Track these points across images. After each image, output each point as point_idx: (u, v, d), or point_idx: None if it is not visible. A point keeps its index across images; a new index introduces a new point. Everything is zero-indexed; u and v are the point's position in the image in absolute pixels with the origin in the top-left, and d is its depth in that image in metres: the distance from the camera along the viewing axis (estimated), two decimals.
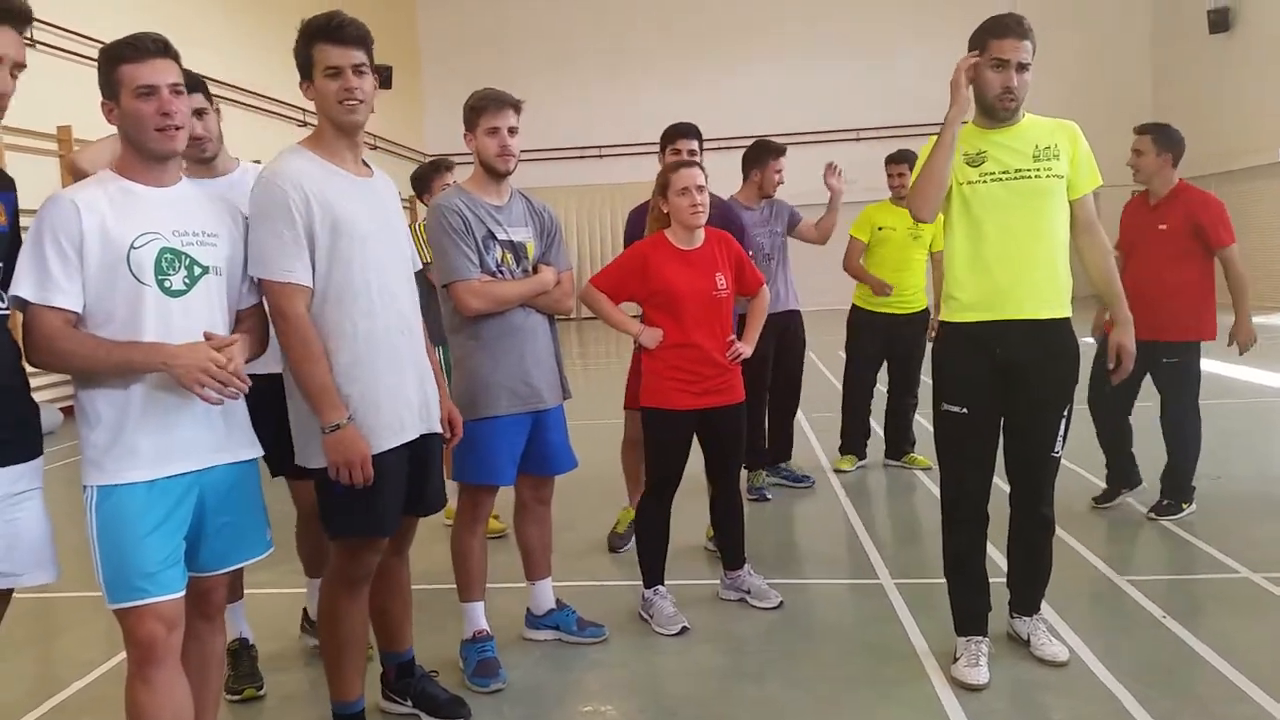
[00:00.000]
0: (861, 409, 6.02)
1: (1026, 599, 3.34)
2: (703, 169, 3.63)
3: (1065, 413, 3.15)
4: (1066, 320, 3.11)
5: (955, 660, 3.17)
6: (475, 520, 3.33)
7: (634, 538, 3.87)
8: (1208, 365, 4.80)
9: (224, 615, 2.55)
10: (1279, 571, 3.89)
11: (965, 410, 3.10)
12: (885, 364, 5.99)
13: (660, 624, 3.61)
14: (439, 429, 2.83)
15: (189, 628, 2.28)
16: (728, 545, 3.92)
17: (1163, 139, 4.55)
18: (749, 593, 3.84)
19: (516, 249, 3.26)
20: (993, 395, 3.11)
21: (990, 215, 3.05)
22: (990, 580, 3.25)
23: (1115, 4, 19.73)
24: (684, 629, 3.58)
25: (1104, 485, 4.93)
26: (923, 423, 5.10)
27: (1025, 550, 3.30)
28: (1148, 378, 4.64)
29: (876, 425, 6.15)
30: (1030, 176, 3.02)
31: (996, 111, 3.04)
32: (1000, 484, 3.21)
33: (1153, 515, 4.66)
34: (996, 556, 3.52)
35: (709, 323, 3.57)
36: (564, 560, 3.99)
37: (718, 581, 3.97)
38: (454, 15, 20.94)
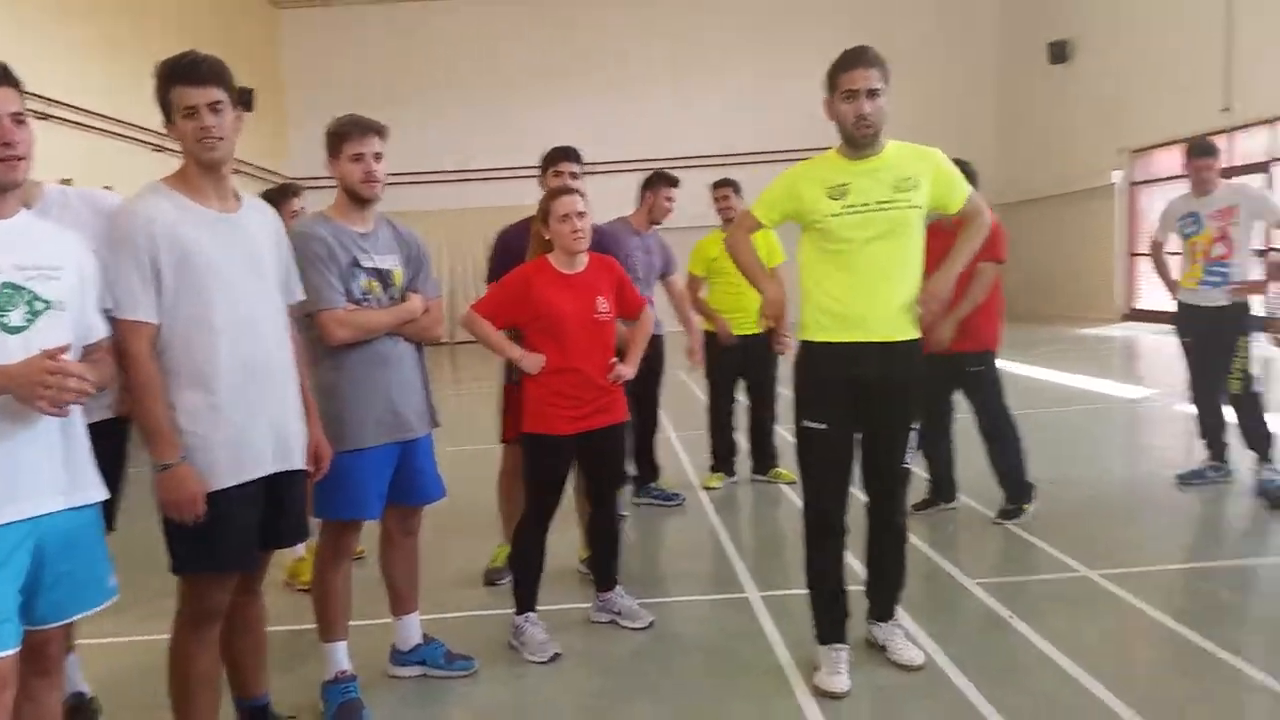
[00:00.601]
0: (725, 427, 6.14)
1: (883, 606, 3.48)
2: (582, 194, 3.65)
3: (914, 427, 3.32)
4: (916, 341, 3.27)
5: (817, 669, 3.27)
6: (338, 556, 3.25)
7: (511, 566, 3.84)
8: (1049, 374, 5.10)
9: (62, 670, 2.41)
10: (1114, 569, 4.16)
11: (824, 426, 3.23)
12: (743, 382, 6.11)
13: (531, 651, 3.59)
14: (299, 464, 2.77)
15: (23, 686, 2.16)
16: (601, 567, 3.94)
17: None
18: (620, 614, 3.87)
19: (383, 276, 3.22)
20: (850, 412, 3.24)
21: (850, 244, 3.17)
22: (849, 589, 3.38)
23: (961, 36, 20.79)
24: (555, 655, 3.57)
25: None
26: (787, 437, 5.25)
27: (882, 559, 3.45)
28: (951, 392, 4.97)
29: (747, 442, 6.30)
30: (890, 208, 3.15)
31: (856, 140, 3.16)
32: (858, 494, 3.34)
33: (998, 520, 4.92)
34: (855, 565, 3.66)
35: (591, 346, 3.60)
36: (432, 593, 3.93)
37: (589, 604, 3.98)
38: (320, 34, 20.42)
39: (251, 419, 2.59)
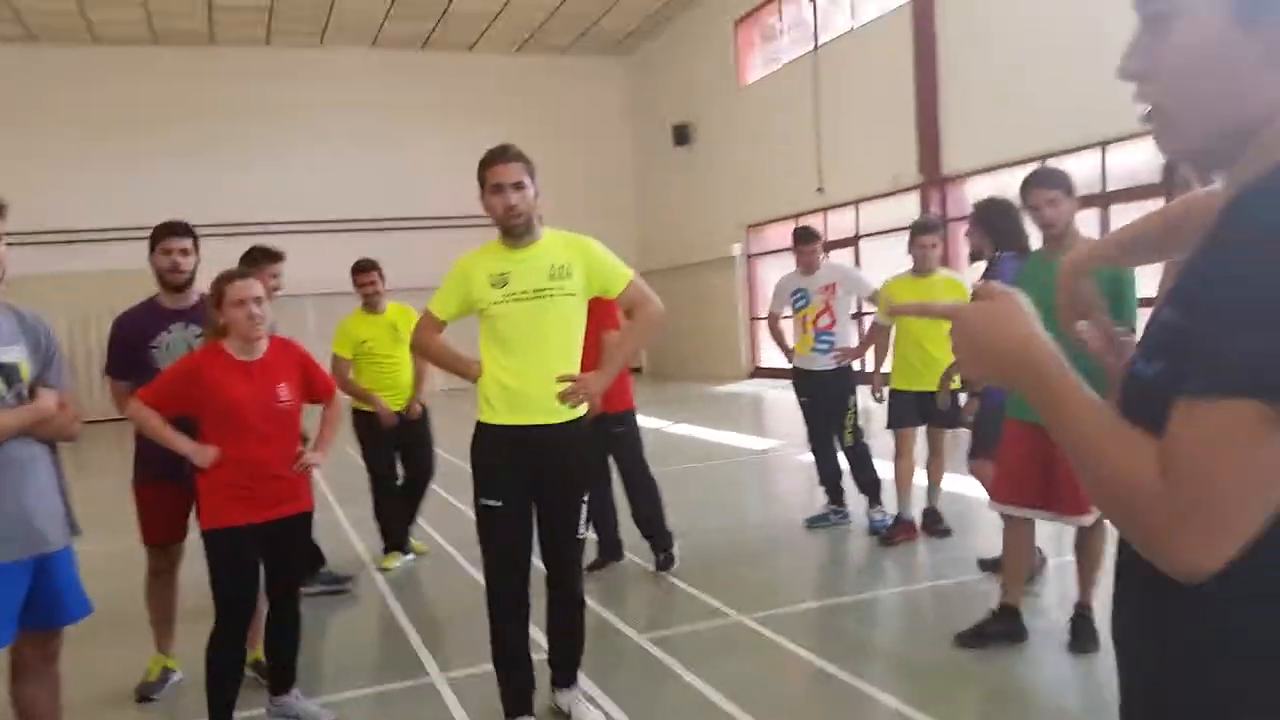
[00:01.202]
0: (388, 506, 6.01)
1: (566, 672, 3.61)
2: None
3: (586, 498, 3.51)
4: (582, 418, 3.46)
5: None
6: None
7: (206, 678, 3.44)
8: (688, 430, 5.58)
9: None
10: (762, 611, 4.62)
11: (500, 504, 3.34)
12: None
13: None
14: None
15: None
16: (278, 667, 3.68)
17: None
18: (299, 718, 3.66)
19: (6, 371, 2.86)
20: (524, 489, 3.37)
21: (514, 331, 3.34)
22: (533, 659, 3.48)
23: (601, 119, 22.26)
24: None
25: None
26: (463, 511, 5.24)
27: (562, 627, 3.58)
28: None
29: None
30: (547, 296, 3.33)
31: (509, 229, 3.34)
32: (538, 565, 3.46)
33: (660, 572, 5.29)
34: (537, 635, 3.77)
35: (272, 435, 3.42)
36: (77, 715, 3.49)
37: (262, 711, 3.72)
38: None
39: None
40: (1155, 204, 9.30)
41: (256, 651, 4.06)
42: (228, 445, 3.36)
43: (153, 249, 4.05)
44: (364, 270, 5.88)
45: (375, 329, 5.82)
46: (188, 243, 4.05)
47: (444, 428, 6.42)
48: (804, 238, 6.25)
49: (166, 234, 4.03)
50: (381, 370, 5.81)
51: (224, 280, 3.45)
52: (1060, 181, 3.96)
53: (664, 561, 5.33)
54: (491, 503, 3.34)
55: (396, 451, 5.97)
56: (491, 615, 3.42)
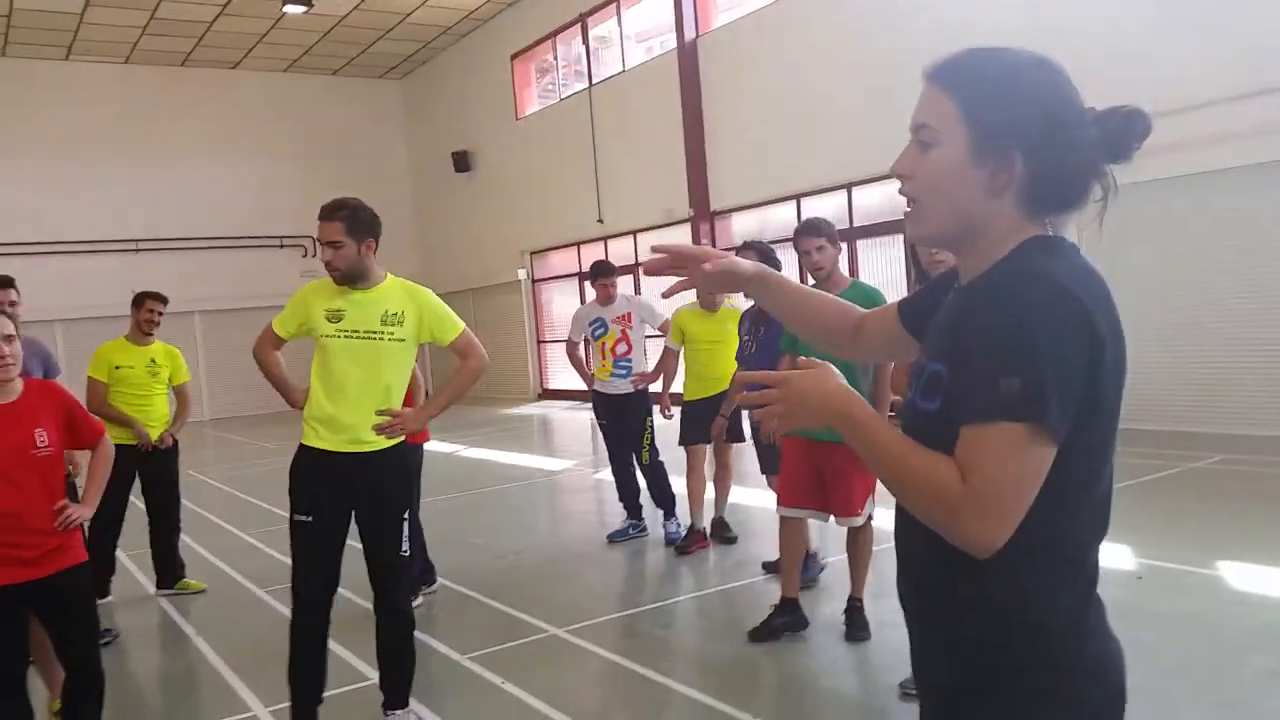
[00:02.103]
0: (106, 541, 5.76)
1: (397, 694, 3.79)
2: (11, 315, 3.40)
3: (405, 517, 3.74)
4: (399, 445, 3.70)
5: None
6: None
7: None
8: (487, 453, 5.82)
9: None
10: (575, 623, 4.95)
11: (310, 519, 3.59)
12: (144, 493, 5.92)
13: None
14: None
15: None
16: None
17: None
18: None
19: None
20: (337, 508, 3.61)
21: (341, 364, 3.59)
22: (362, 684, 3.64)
23: (378, 142, 21.94)
24: None
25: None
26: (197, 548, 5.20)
27: (393, 646, 3.76)
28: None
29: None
30: (376, 339, 3.60)
31: (333, 279, 3.62)
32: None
33: (428, 593, 5.55)
34: (360, 665, 3.92)
35: (29, 485, 3.16)
36: None
37: None
38: None
39: None
40: (894, 240, 10.45)
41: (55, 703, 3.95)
42: None
43: None
44: (154, 299, 5.85)
45: (134, 358, 5.79)
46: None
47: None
48: (602, 272, 6.70)
49: None
50: (129, 403, 5.74)
51: None
52: (825, 230, 4.57)
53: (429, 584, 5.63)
54: (302, 517, 3.59)
55: (131, 484, 5.80)
56: (293, 624, 3.62)
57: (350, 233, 3.55)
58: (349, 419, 3.57)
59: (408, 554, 3.77)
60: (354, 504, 3.63)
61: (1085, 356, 1.25)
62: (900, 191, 1.44)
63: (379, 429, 3.53)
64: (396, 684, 3.79)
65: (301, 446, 3.65)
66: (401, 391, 3.72)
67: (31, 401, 3.28)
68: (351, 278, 3.60)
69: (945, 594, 1.42)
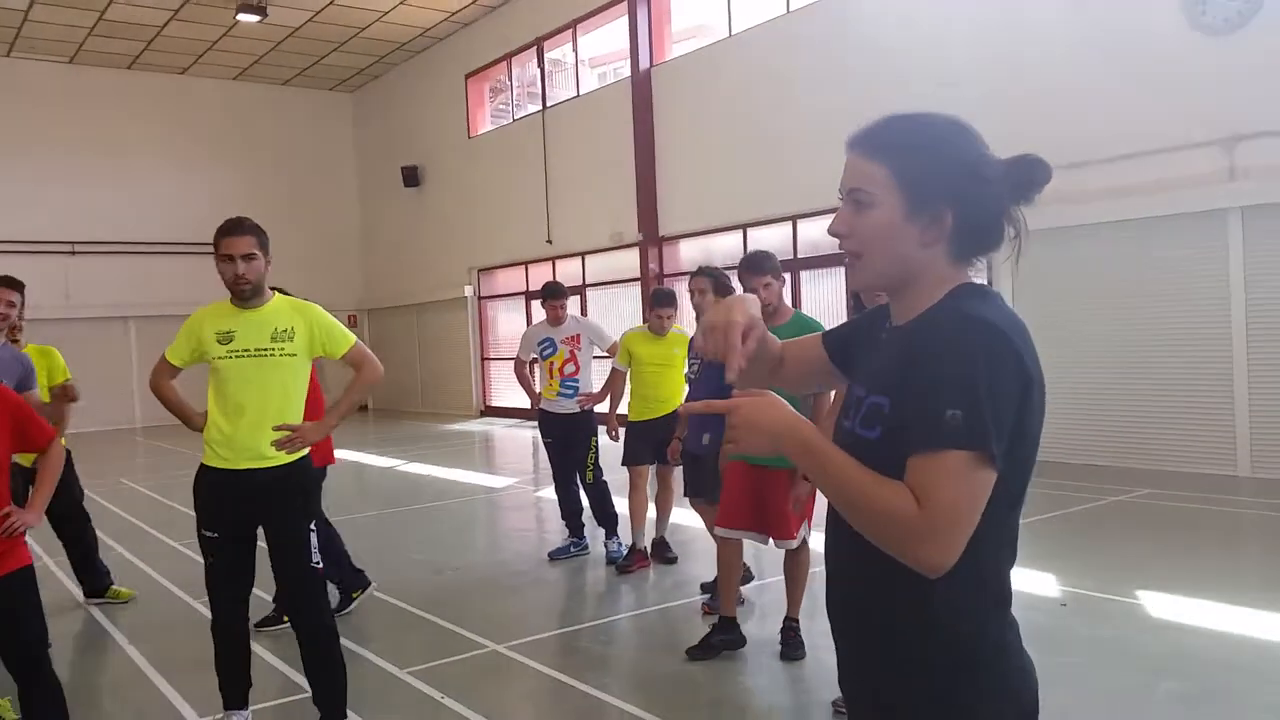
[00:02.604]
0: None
1: (332, 708, 3.79)
2: None
3: (311, 528, 3.79)
4: (301, 460, 3.76)
5: None
6: None
7: None
8: (426, 469, 5.83)
9: None
10: (516, 639, 4.99)
11: (216, 535, 3.71)
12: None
13: None
14: None
15: None
16: None
17: None
18: None
19: None
20: (242, 523, 3.74)
21: (235, 384, 3.69)
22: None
23: (326, 153, 21.80)
24: None
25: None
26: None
27: (319, 660, 3.79)
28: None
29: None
30: (268, 355, 3.69)
31: (237, 294, 3.68)
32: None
33: (345, 611, 5.45)
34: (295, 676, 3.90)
35: None
36: None
37: None
38: None
39: None
40: (837, 271, 10.75)
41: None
42: None
43: None
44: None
45: None
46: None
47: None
48: (553, 294, 6.79)
49: None
50: None
51: None
52: (771, 267, 4.67)
53: (349, 601, 5.57)
54: (209, 534, 3.72)
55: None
56: (214, 628, 3.80)
57: (260, 247, 3.66)
58: (247, 438, 3.66)
59: (318, 565, 3.80)
60: (258, 519, 3.76)
61: (1017, 389, 1.37)
62: (840, 248, 1.56)
63: (279, 444, 3.62)
64: (329, 696, 3.80)
65: (202, 466, 3.76)
66: (299, 407, 3.79)
67: None
68: (257, 291, 3.68)
69: (877, 612, 1.51)
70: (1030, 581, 5.41)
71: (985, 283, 1.54)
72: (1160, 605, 5.14)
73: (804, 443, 1.43)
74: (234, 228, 3.63)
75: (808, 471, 1.44)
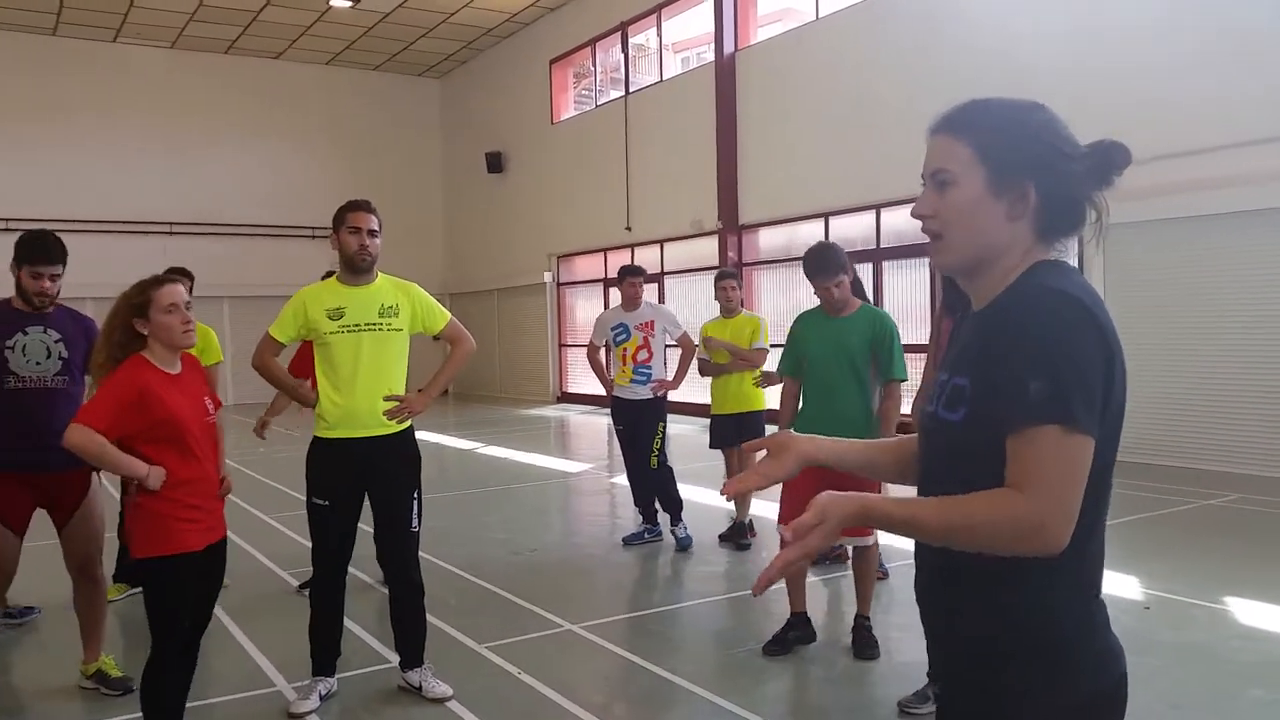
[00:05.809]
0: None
1: (412, 653, 4.11)
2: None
3: (416, 496, 4.04)
4: (406, 430, 4.03)
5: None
6: None
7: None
8: (504, 452, 5.94)
9: None
10: (590, 620, 5.08)
11: (328, 503, 3.93)
12: None
13: None
14: None
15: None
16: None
17: None
18: None
19: None
20: (351, 491, 3.96)
21: (346, 358, 3.90)
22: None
23: (412, 139, 22.18)
24: None
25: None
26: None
27: (406, 612, 4.11)
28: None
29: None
30: (376, 330, 3.92)
31: (355, 265, 3.92)
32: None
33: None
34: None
35: (210, 452, 3.32)
36: None
37: None
38: None
39: None
40: (920, 263, 10.53)
41: (98, 664, 4.14)
42: (175, 464, 3.18)
43: (20, 264, 4.03)
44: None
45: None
46: (59, 269, 4.08)
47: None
48: (631, 271, 6.84)
49: (40, 258, 4.03)
50: None
51: (152, 285, 3.28)
52: (840, 264, 4.47)
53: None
54: (320, 501, 3.93)
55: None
56: (314, 590, 4.04)
57: (380, 226, 3.94)
58: (358, 408, 3.88)
59: (417, 530, 4.06)
60: (366, 486, 3.98)
61: (1101, 360, 1.38)
62: (923, 230, 1.57)
63: (389, 414, 3.87)
64: (411, 645, 4.10)
65: (315, 438, 3.99)
66: (403, 378, 4.03)
67: (190, 371, 3.40)
68: (373, 266, 3.93)
69: (960, 593, 1.51)
70: (1114, 583, 5.29)
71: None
72: (1248, 612, 4.98)
73: (879, 514, 1.41)
74: (363, 205, 3.95)
75: (897, 531, 1.42)
